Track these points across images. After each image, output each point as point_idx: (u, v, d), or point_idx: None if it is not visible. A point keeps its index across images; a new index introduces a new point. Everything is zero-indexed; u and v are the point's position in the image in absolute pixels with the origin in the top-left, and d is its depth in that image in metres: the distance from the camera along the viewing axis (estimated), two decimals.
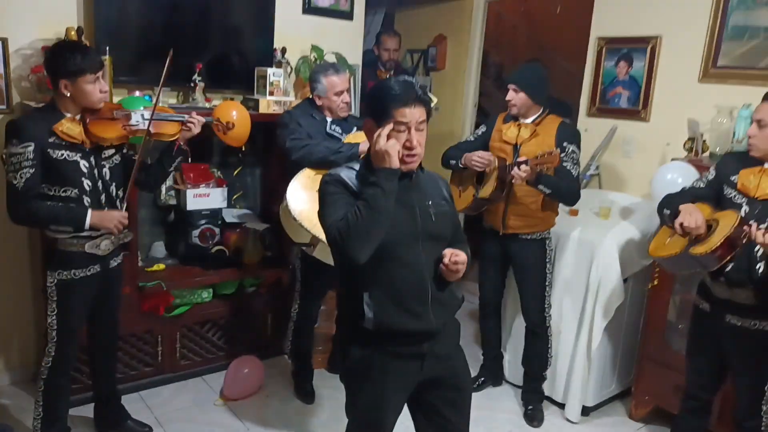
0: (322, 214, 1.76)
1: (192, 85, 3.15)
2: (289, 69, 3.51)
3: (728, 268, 2.16)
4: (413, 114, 1.69)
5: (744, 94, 2.92)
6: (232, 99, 3.32)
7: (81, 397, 2.82)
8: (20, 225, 2.29)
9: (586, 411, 3.16)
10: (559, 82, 4.25)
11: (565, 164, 2.73)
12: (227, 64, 3.34)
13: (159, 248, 3.34)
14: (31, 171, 2.16)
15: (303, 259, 3.02)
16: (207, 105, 3.16)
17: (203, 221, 3.23)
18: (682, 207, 2.18)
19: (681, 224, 2.13)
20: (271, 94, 3.28)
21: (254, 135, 3.15)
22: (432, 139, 1.92)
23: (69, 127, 2.23)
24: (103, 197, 2.34)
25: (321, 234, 2.56)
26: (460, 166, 2.95)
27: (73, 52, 2.20)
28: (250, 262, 3.38)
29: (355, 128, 3.00)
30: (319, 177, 2.74)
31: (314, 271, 2.96)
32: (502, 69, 7.54)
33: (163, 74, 2.42)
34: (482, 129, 3.09)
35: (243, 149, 3.31)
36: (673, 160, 3.02)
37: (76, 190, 2.25)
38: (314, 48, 3.56)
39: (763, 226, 2.01)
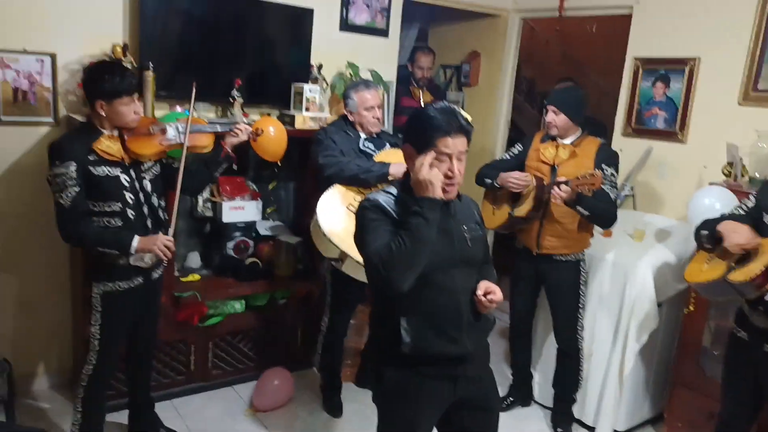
0: (362, 240, 1.74)
1: (231, 100, 3.21)
2: (324, 85, 3.56)
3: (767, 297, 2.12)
4: (456, 144, 1.71)
5: None
6: (269, 114, 3.38)
7: (116, 403, 2.89)
8: (69, 244, 2.35)
9: None
10: (593, 100, 4.22)
11: (603, 186, 2.72)
12: (265, 80, 3.40)
13: (194, 259, 3.40)
14: (76, 189, 2.23)
15: (333, 272, 3.05)
16: (245, 120, 3.22)
17: (238, 233, 3.29)
18: (721, 227, 2.15)
19: (737, 245, 2.10)
20: (307, 110, 3.33)
21: (289, 150, 3.20)
22: None
23: (108, 144, 2.30)
24: (145, 208, 2.40)
25: (349, 249, 2.61)
26: (496, 185, 2.95)
27: (111, 74, 2.26)
28: (282, 275, 3.42)
29: (387, 145, 3.03)
30: (350, 194, 2.81)
31: (344, 285, 2.99)
32: (534, 84, 7.52)
33: (191, 102, 2.53)
34: (518, 148, 3.09)
35: (279, 164, 3.36)
36: (710, 184, 2.98)
37: (119, 204, 2.32)
38: (350, 64, 3.62)
39: None
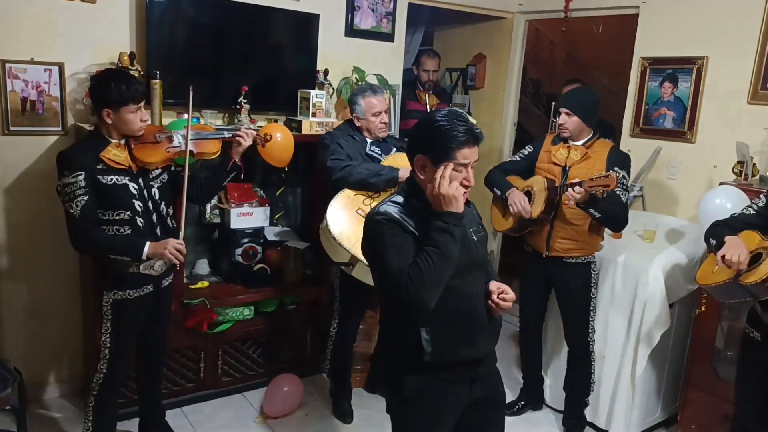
0: (380, 257, 1.69)
1: (237, 107, 3.22)
2: (331, 90, 3.57)
3: None
4: (472, 154, 1.71)
5: None
6: (275, 120, 3.39)
7: (127, 411, 2.89)
8: (81, 252, 2.36)
9: None
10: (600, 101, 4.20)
11: (615, 189, 2.70)
12: (271, 86, 3.41)
13: (203, 266, 3.41)
14: (86, 198, 2.24)
15: (341, 278, 3.05)
16: (252, 126, 3.22)
17: (246, 240, 3.29)
18: (727, 239, 2.13)
19: (722, 257, 2.09)
20: (314, 115, 3.33)
21: (296, 155, 3.20)
22: None
23: (115, 153, 2.30)
24: (154, 216, 2.41)
25: (360, 254, 2.60)
26: (504, 197, 2.93)
27: (117, 82, 2.26)
28: (291, 281, 3.42)
29: (394, 149, 3.03)
30: (359, 198, 2.81)
31: (353, 290, 2.99)
32: (540, 86, 7.51)
33: (189, 106, 2.51)
34: (529, 149, 3.07)
35: (286, 169, 3.37)
36: (721, 183, 2.95)
37: (128, 212, 2.32)
38: (356, 69, 3.62)
39: None
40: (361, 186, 2.80)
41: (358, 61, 3.67)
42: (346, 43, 3.69)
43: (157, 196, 2.43)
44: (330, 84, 3.56)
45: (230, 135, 2.64)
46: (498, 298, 1.82)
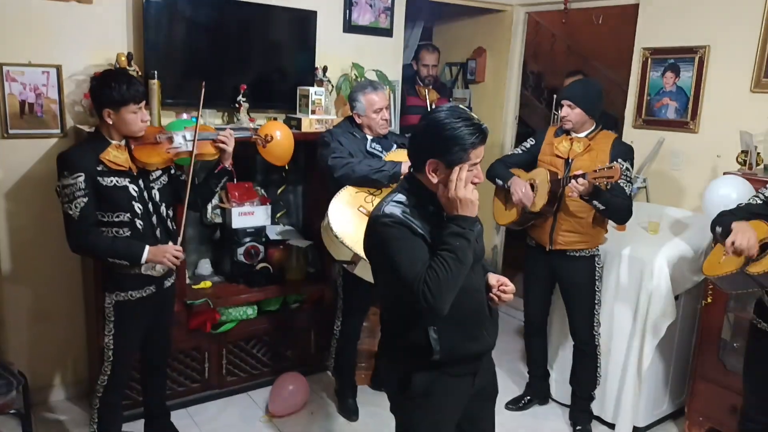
0: (393, 263, 1.66)
1: (236, 105, 3.21)
2: (330, 87, 3.55)
3: None
4: (482, 151, 1.71)
5: None
6: (275, 118, 3.37)
7: (132, 413, 2.89)
8: (78, 254, 2.35)
9: (636, 431, 3.08)
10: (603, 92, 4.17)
11: (619, 181, 2.67)
12: (270, 84, 3.40)
13: (205, 266, 3.40)
14: (85, 200, 2.22)
15: (344, 276, 3.03)
16: (251, 125, 3.22)
17: (248, 239, 3.28)
18: (734, 225, 2.11)
19: (732, 243, 2.07)
20: (314, 112, 3.32)
21: (296, 153, 3.19)
22: None
23: (115, 155, 2.29)
24: (154, 218, 2.40)
25: (362, 252, 2.58)
26: (506, 187, 2.92)
27: (118, 82, 2.25)
28: (294, 279, 3.41)
29: (395, 146, 3.01)
30: (361, 195, 2.79)
31: (356, 288, 2.97)
32: (541, 79, 7.48)
33: (200, 104, 2.52)
34: (531, 142, 3.05)
35: (286, 168, 3.35)
36: (725, 173, 2.92)
37: (128, 215, 2.31)
38: (355, 65, 3.60)
39: None
40: (364, 183, 2.78)
41: (356, 57, 3.65)
42: (345, 39, 3.67)
43: (157, 198, 2.42)
44: (329, 81, 3.54)
45: (236, 135, 2.61)
46: (498, 290, 1.83)
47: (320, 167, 2.92)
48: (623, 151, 2.80)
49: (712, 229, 2.26)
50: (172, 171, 2.54)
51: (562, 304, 3.07)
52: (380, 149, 2.97)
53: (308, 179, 3.61)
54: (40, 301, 3.06)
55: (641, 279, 2.92)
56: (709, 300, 2.88)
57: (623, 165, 2.69)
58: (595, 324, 2.96)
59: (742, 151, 2.98)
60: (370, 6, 3.73)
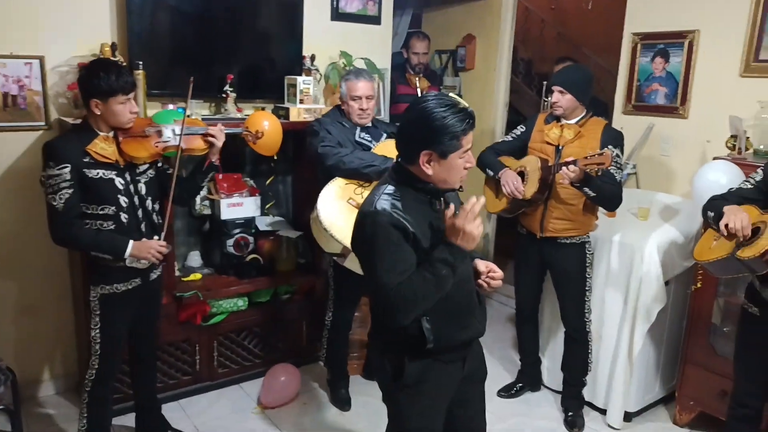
0: (373, 262, 1.67)
1: (223, 96, 3.17)
2: (318, 76, 3.51)
3: None
4: (472, 137, 1.71)
5: None
6: (263, 108, 3.34)
7: (123, 406, 2.88)
8: (61, 246, 2.32)
9: (628, 417, 3.10)
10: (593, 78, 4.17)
11: (609, 167, 2.67)
12: (257, 74, 3.36)
13: (195, 258, 3.38)
14: (70, 192, 2.19)
15: (335, 266, 3.02)
16: (239, 115, 3.18)
17: (237, 230, 3.25)
18: (726, 208, 2.11)
19: (726, 225, 2.07)
20: (302, 102, 3.28)
21: (285, 143, 3.17)
22: None
23: (102, 147, 2.26)
24: (140, 212, 2.37)
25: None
26: (497, 177, 2.90)
27: (106, 72, 2.21)
28: (284, 270, 3.40)
29: (384, 135, 2.98)
30: (350, 187, 2.76)
31: (347, 278, 2.94)
32: (532, 65, 7.46)
33: (188, 98, 2.50)
34: (521, 129, 3.03)
35: (275, 158, 3.32)
36: (715, 158, 2.92)
37: (113, 208, 2.28)
38: (343, 54, 3.56)
39: None
40: (353, 176, 2.75)
41: (344, 45, 3.61)
42: (332, 27, 3.63)
43: (143, 192, 2.39)
44: (317, 70, 3.50)
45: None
46: (487, 277, 1.85)
47: (309, 156, 2.89)
48: (613, 138, 2.79)
49: (704, 214, 2.27)
50: (159, 164, 2.51)
51: (553, 292, 3.07)
52: (369, 139, 2.93)
53: (297, 169, 3.58)
54: (27, 296, 3.03)
55: (631, 265, 2.92)
56: (699, 285, 2.89)
57: (614, 151, 2.68)
58: (586, 311, 2.96)
59: (732, 136, 2.98)
60: None
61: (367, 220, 1.69)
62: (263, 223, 3.48)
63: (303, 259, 3.50)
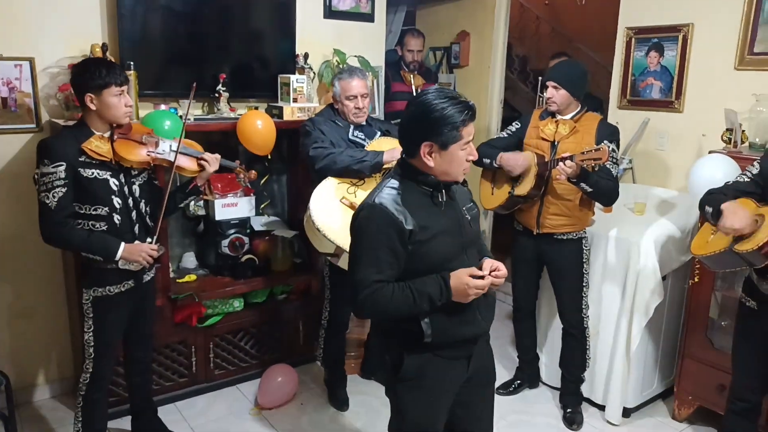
0: (357, 254, 1.73)
1: (216, 95, 3.15)
2: (312, 74, 3.49)
3: None
4: (473, 129, 1.73)
5: None
6: (256, 108, 3.32)
7: (118, 409, 2.86)
8: (51, 245, 2.30)
9: (627, 412, 3.09)
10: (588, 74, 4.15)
11: (605, 163, 2.65)
12: (250, 73, 3.34)
13: (190, 259, 3.36)
14: (63, 190, 2.17)
15: (331, 266, 3.00)
16: (232, 114, 3.16)
17: (232, 231, 3.22)
18: (724, 206, 2.10)
19: (725, 226, 2.06)
20: (295, 100, 3.26)
21: (279, 142, 3.16)
22: None
23: (98, 145, 2.24)
24: (134, 214, 2.35)
25: (345, 244, 2.55)
26: (495, 165, 2.89)
27: (98, 66, 2.21)
28: (280, 270, 3.38)
29: (378, 133, 2.96)
30: (343, 186, 2.74)
31: (343, 278, 2.93)
32: (527, 62, 7.45)
33: (188, 105, 2.49)
34: (516, 125, 3.02)
35: (269, 157, 3.30)
36: (710, 152, 2.91)
37: (106, 209, 2.26)
38: (336, 52, 3.54)
39: None
40: (346, 174, 2.73)
41: (338, 43, 3.60)
42: (325, 25, 3.61)
43: (137, 194, 2.37)
44: (310, 68, 3.48)
45: (224, 164, 2.56)
46: (491, 275, 1.81)
47: (302, 157, 2.87)
48: (609, 133, 2.78)
49: (701, 208, 2.25)
50: (150, 174, 2.49)
51: (550, 288, 3.06)
52: (363, 137, 2.91)
53: (292, 168, 3.56)
54: (21, 299, 3.00)
55: (628, 260, 2.91)
56: (697, 279, 2.88)
57: (609, 146, 2.67)
58: (583, 306, 2.95)
59: (727, 130, 2.97)
60: None
61: (363, 212, 1.73)
62: (258, 223, 3.46)
63: (299, 258, 3.48)
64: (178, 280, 3.15)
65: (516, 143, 2.96)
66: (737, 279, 2.75)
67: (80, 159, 2.21)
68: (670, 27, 3.37)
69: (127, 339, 2.53)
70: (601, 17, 4.86)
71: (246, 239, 3.27)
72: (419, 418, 1.86)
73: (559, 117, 2.83)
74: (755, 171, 2.20)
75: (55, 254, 2.97)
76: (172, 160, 2.39)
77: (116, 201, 2.29)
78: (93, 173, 2.23)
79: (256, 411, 3.08)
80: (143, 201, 2.39)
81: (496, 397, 3.18)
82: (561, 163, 2.58)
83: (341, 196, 2.69)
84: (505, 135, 3.06)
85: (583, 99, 2.84)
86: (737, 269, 2.32)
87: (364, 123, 2.95)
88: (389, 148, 2.77)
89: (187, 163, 2.47)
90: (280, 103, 3.31)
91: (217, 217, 3.17)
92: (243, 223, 3.27)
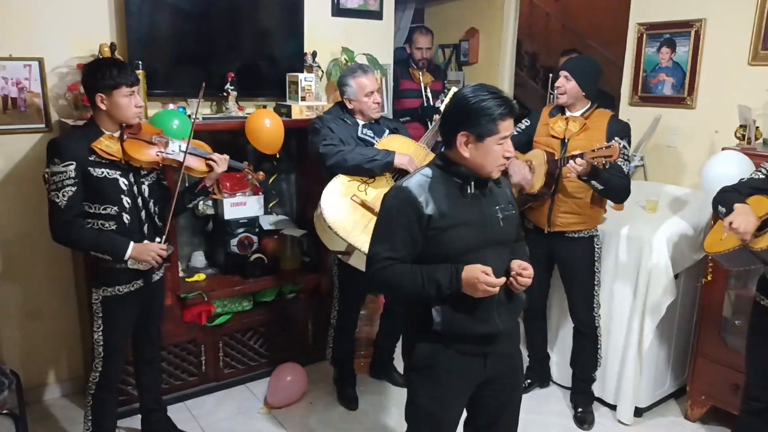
0: (377, 228, 1.81)
1: (225, 94, 3.14)
2: (320, 73, 3.48)
3: None
4: (511, 125, 1.74)
5: None
6: (264, 106, 3.31)
7: (128, 408, 2.87)
8: (60, 244, 2.30)
9: (639, 412, 3.06)
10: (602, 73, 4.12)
11: (617, 160, 2.62)
12: (258, 71, 3.33)
13: (199, 258, 3.36)
14: (73, 189, 2.18)
15: (340, 265, 2.99)
16: (240, 113, 3.16)
17: (241, 230, 3.22)
18: (736, 206, 2.06)
19: (730, 223, 2.02)
20: (303, 99, 3.25)
21: (288, 141, 3.15)
22: None
23: (107, 144, 2.24)
24: (143, 214, 2.35)
25: (356, 242, 2.54)
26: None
27: (108, 67, 2.22)
28: (289, 269, 3.37)
29: (387, 131, 2.95)
30: (354, 184, 2.73)
31: (352, 276, 2.92)
32: (536, 59, 7.40)
33: (197, 105, 2.49)
34: (526, 123, 2.99)
35: (277, 156, 3.30)
36: (723, 149, 2.87)
37: (115, 208, 2.26)
38: (345, 50, 3.53)
39: None
40: (357, 172, 2.72)
41: (346, 41, 3.58)
42: (334, 23, 3.60)
43: (146, 193, 2.37)
44: (319, 66, 3.47)
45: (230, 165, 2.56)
46: (516, 274, 1.81)
47: (312, 154, 2.86)
48: (620, 129, 2.75)
49: (714, 207, 2.22)
50: (159, 174, 2.49)
51: (561, 287, 3.03)
52: (372, 135, 2.90)
53: (300, 167, 3.55)
54: (31, 299, 3.02)
55: (640, 258, 2.88)
56: (710, 278, 2.84)
57: (621, 143, 2.64)
58: (594, 305, 2.92)
59: (741, 126, 2.93)
60: None
61: (391, 191, 1.81)
62: (267, 222, 3.45)
63: (308, 257, 3.48)
64: (187, 279, 3.15)
65: (526, 141, 2.94)
66: (751, 277, 2.71)
67: (90, 158, 2.21)
68: (682, 22, 3.33)
69: (136, 338, 2.53)
70: (611, 13, 4.82)
71: (255, 238, 3.27)
72: (430, 407, 1.86)
73: (569, 114, 2.80)
74: None
75: (65, 254, 2.98)
76: (182, 160, 2.39)
77: (126, 200, 2.29)
78: (103, 173, 2.23)
79: (265, 410, 3.08)
80: (152, 201, 2.40)
81: None
82: (571, 161, 2.55)
83: (352, 194, 2.68)
84: (515, 133, 3.02)
85: (594, 97, 2.81)
86: (751, 267, 2.28)
87: (374, 121, 2.94)
88: (398, 145, 2.76)
89: (196, 164, 2.47)
90: (288, 102, 3.31)
91: (226, 216, 3.17)
92: (252, 222, 3.27)
